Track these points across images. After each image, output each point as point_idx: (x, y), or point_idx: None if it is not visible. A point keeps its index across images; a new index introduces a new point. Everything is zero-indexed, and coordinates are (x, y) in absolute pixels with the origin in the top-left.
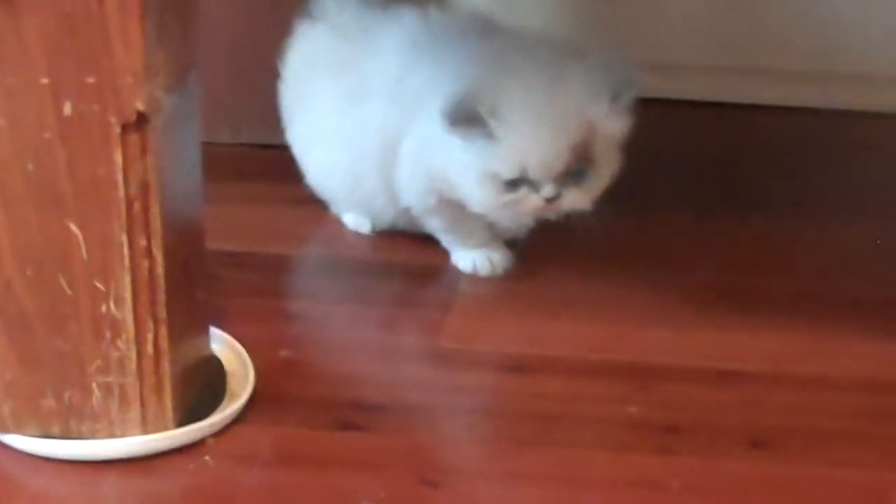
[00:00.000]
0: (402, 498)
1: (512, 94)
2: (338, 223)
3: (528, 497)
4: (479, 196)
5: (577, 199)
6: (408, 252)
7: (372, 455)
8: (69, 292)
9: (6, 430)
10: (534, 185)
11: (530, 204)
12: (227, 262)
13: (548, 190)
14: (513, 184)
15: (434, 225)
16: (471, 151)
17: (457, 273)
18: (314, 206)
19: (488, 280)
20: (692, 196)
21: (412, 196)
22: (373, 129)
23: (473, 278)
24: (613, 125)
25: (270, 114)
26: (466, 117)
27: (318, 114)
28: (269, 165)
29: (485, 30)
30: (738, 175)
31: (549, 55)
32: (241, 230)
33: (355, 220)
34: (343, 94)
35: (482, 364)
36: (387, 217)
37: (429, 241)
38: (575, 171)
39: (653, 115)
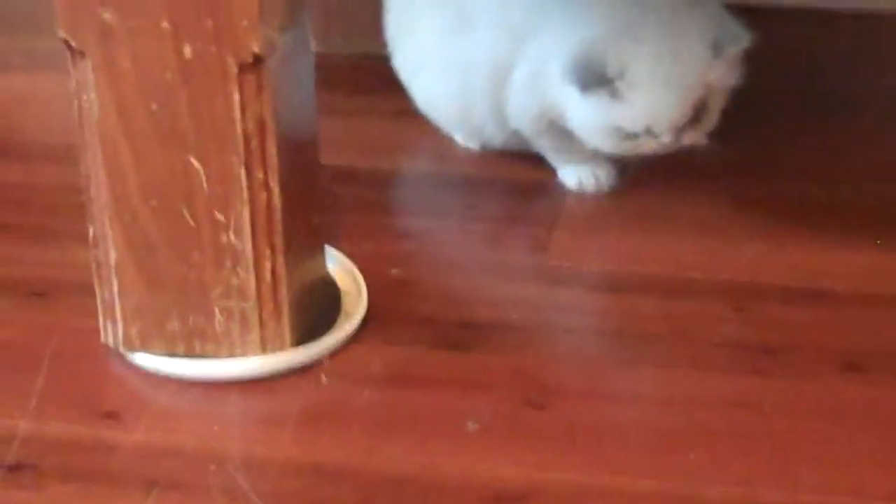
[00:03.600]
0: (507, 418)
1: (638, 56)
2: (448, 138)
3: (624, 418)
4: (596, 142)
5: (693, 138)
6: (516, 168)
7: (478, 375)
8: (192, 223)
9: (134, 349)
10: (653, 134)
11: (648, 147)
12: (340, 177)
13: (667, 137)
14: (633, 134)
15: (542, 144)
16: (593, 106)
17: (563, 190)
18: (425, 119)
19: (593, 197)
20: (793, 109)
21: (522, 120)
22: (481, 59)
23: (579, 195)
24: (727, 79)
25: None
26: (595, 78)
27: (422, 42)
28: (382, 76)
29: None
30: (835, 83)
31: (666, 2)
32: (353, 143)
33: (465, 139)
34: (447, 22)
35: (586, 282)
36: (496, 140)
37: (536, 157)
38: (693, 118)
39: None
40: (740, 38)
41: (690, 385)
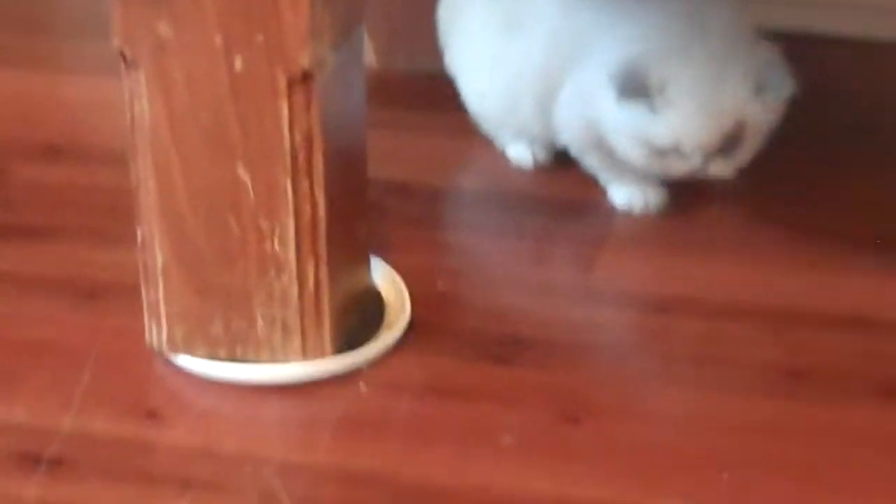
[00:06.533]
0: (543, 434)
1: (681, 76)
2: (500, 155)
3: (658, 438)
4: (625, 150)
5: (722, 169)
6: (566, 186)
7: (517, 390)
8: (237, 231)
9: (177, 351)
10: (682, 154)
11: (676, 168)
12: (392, 191)
13: (695, 161)
14: (663, 150)
15: (590, 163)
16: (628, 115)
17: (612, 209)
18: (480, 137)
19: (641, 217)
20: (846, 141)
21: (570, 134)
22: (531, 64)
23: (628, 214)
24: (765, 119)
25: None
26: (635, 88)
27: (471, 40)
28: (441, 94)
29: None
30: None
31: (721, 32)
32: (407, 158)
33: (518, 153)
34: (499, 21)
35: (629, 302)
36: (545, 149)
37: (587, 175)
38: (723, 147)
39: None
40: (783, 87)
41: (725, 407)
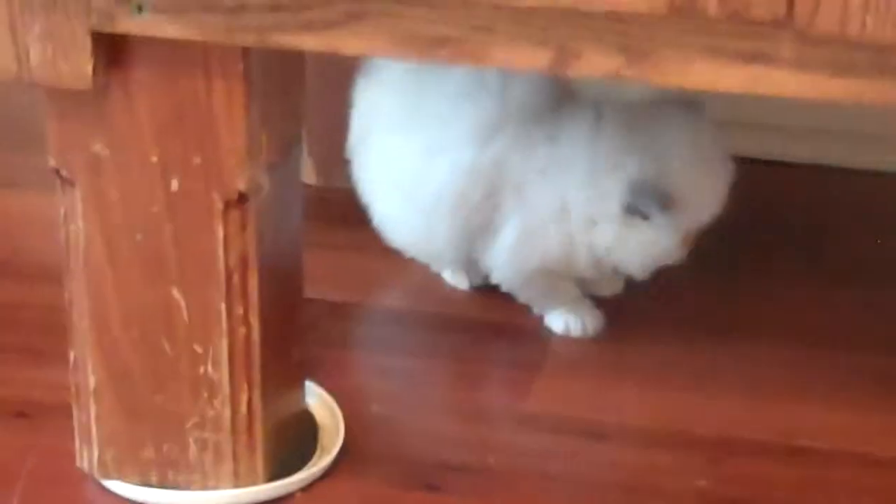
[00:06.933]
0: None
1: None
2: (437, 276)
3: None
4: (640, 266)
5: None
6: (502, 308)
7: None
8: (170, 353)
9: (108, 476)
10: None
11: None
12: (328, 312)
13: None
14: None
15: (527, 295)
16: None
17: (548, 332)
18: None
19: (579, 341)
20: (781, 262)
21: (508, 273)
22: (450, 193)
23: (564, 339)
24: None
25: None
26: (661, 202)
27: (384, 159)
28: None
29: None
30: (829, 241)
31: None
32: (345, 278)
33: (452, 276)
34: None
35: (565, 429)
36: (471, 269)
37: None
38: None
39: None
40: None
41: None
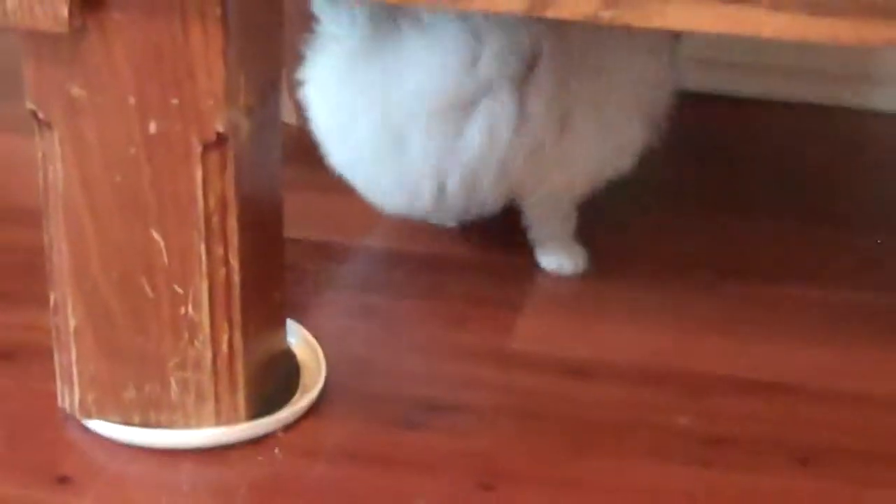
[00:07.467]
0: (457, 500)
1: None
2: None
3: None
4: None
5: None
6: (486, 247)
7: (432, 455)
8: (151, 295)
9: (89, 416)
10: None
11: None
12: (310, 252)
13: None
14: None
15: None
16: None
17: (532, 270)
18: None
19: (562, 280)
20: (763, 201)
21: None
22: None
23: (547, 278)
24: None
25: None
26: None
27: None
28: None
29: None
30: (811, 179)
31: None
32: (326, 218)
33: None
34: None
35: (546, 367)
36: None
37: (507, 236)
38: None
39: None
40: None
41: (641, 475)
